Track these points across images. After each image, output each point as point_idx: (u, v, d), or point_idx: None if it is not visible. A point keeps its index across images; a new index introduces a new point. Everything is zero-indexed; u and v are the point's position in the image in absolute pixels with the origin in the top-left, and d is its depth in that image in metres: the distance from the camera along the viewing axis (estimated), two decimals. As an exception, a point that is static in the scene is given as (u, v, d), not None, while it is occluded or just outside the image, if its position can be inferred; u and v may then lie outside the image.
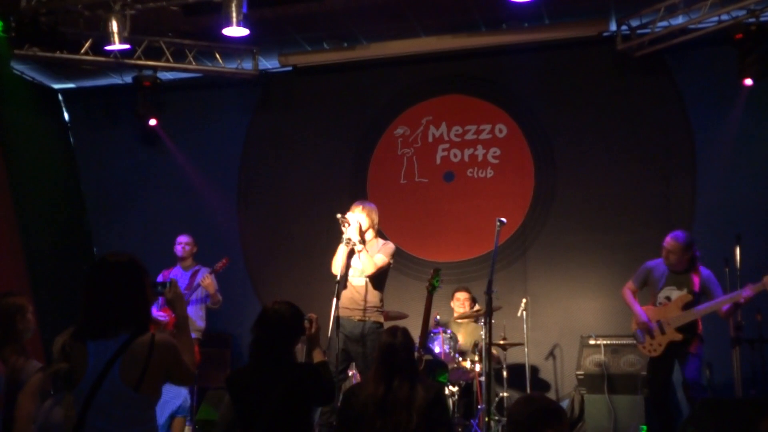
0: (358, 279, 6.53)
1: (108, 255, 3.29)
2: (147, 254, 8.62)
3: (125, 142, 10.05)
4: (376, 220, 6.67)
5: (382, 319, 6.60)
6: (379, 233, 6.86)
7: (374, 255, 6.50)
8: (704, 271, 6.55)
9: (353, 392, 4.53)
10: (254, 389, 3.92)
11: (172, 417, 6.96)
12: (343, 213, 6.52)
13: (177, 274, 8.17)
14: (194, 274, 8.08)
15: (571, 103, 8.77)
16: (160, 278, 8.06)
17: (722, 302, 6.33)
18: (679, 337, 6.43)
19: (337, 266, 6.49)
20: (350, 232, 6.40)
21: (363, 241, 6.48)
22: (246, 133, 9.76)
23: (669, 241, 6.55)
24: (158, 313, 7.86)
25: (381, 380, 4.36)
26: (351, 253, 6.52)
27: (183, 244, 8.23)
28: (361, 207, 6.61)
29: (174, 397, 6.17)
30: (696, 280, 6.47)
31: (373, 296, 6.53)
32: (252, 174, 9.72)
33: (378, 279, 6.55)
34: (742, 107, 7.96)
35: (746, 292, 6.18)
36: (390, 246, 6.64)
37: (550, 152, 8.79)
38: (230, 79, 9.51)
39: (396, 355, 4.42)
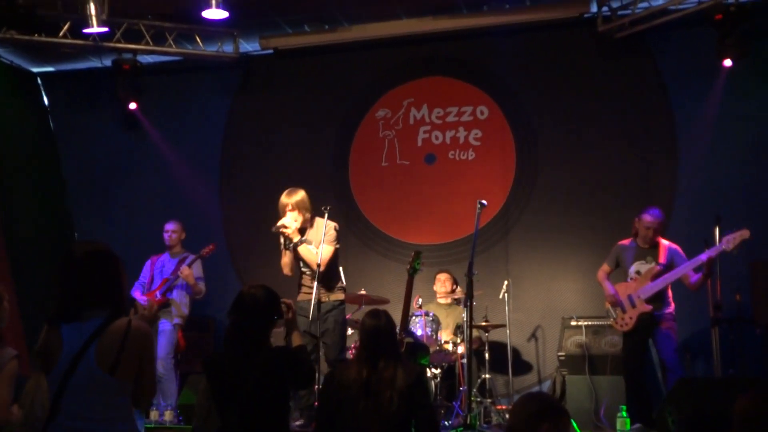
0: (309, 269, 6.51)
1: (80, 243, 3.34)
2: (130, 240, 8.82)
3: (106, 127, 9.98)
4: (308, 206, 6.53)
5: (342, 296, 6.61)
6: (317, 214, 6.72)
7: (318, 245, 6.40)
8: (669, 243, 6.66)
9: (333, 375, 4.54)
10: (231, 373, 3.90)
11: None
12: (279, 217, 6.46)
13: (165, 260, 8.18)
14: (181, 261, 8.04)
15: (552, 85, 8.76)
16: (147, 265, 8.23)
17: (687, 268, 6.43)
18: (648, 308, 6.50)
19: (286, 269, 6.55)
20: (290, 237, 6.38)
21: (302, 240, 6.43)
22: (227, 117, 9.72)
23: (649, 219, 6.63)
24: (141, 297, 7.89)
25: (365, 362, 4.35)
26: (296, 252, 6.48)
27: (170, 232, 8.20)
28: (290, 204, 6.46)
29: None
30: (663, 253, 6.58)
31: (329, 279, 6.50)
32: (234, 158, 9.68)
33: (330, 267, 6.49)
34: (722, 88, 7.96)
35: (704, 256, 6.29)
36: (331, 232, 6.50)
37: (531, 134, 8.79)
38: (211, 62, 9.47)
39: (380, 337, 4.43)
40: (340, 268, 6.83)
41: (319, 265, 6.28)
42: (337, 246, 6.58)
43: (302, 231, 6.51)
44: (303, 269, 6.56)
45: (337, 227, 6.62)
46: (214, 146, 9.73)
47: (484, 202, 6.62)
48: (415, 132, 9.13)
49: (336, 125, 9.39)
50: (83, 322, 3.11)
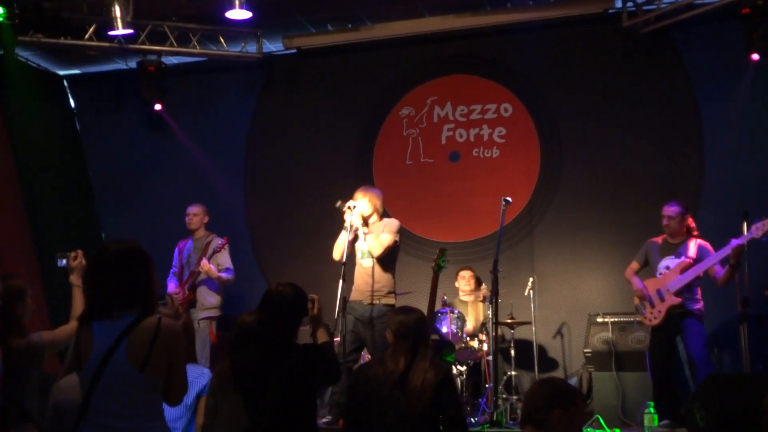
0: (366, 260, 6.55)
1: (111, 242, 3.33)
2: (157, 240, 8.78)
3: (131, 128, 10.04)
4: (379, 206, 6.64)
5: (393, 301, 6.56)
6: (385, 215, 6.85)
7: (379, 235, 6.50)
8: (699, 240, 6.64)
9: (363, 370, 4.54)
10: (259, 373, 3.91)
11: (198, 397, 6.95)
12: (345, 200, 6.52)
13: (189, 249, 8.10)
14: (207, 245, 7.95)
15: (576, 81, 8.73)
16: (176, 252, 8.21)
17: (716, 258, 6.40)
18: (677, 300, 6.47)
19: (337, 252, 6.53)
20: (353, 219, 6.42)
21: (366, 224, 6.50)
22: (251, 117, 9.74)
23: (666, 208, 6.67)
24: (176, 290, 7.87)
25: (402, 354, 4.31)
26: (355, 239, 6.54)
27: (190, 215, 8.11)
28: (362, 193, 6.59)
29: (198, 376, 6.23)
30: (692, 247, 6.56)
31: (384, 278, 6.53)
32: (258, 157, 9.71)
33: (386, 260, 6.54)
34: (749, 83, 7.88)
35: (734, 242, 6.25)
36: (394, 222, 6.62)
37: (555, 131, 8.75)
38: (234, 62, 9.51)
39: (421, 330, 4.42)
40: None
41: (377, 257, 6.37)
42: (397, 239, 6.61)
43: (368, 224, 6.58)
44: (363, 261, 6.59)
45: (400, 225, 6.72)
46: (238, 146, 9.76)
47: (508, 199, 6.64)
48: (439, 130, 9.12)
49: (360, 124, 9.41)
50: (114, 321, 3.14)
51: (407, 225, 8.73)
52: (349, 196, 6.74)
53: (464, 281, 8.18)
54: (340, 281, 6.25)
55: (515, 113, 8.91)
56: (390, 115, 9.32)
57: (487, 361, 7.28)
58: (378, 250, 6.43)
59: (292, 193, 9.45)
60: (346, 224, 6.45)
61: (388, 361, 4.36)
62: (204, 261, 7.79)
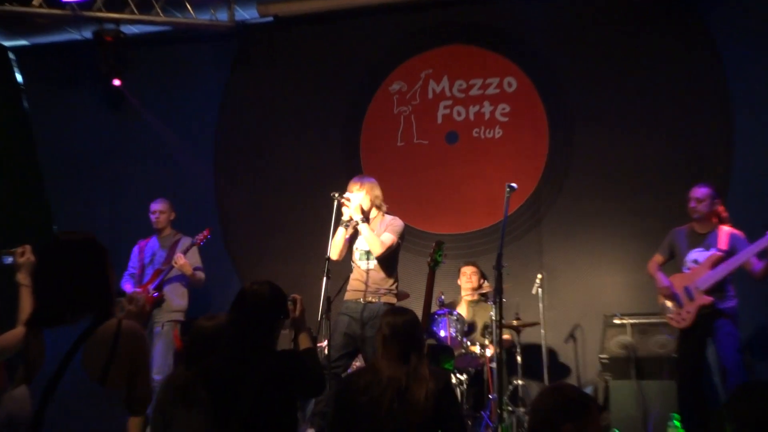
0: (363, 262, 6.58)
1: (62, 234, 3.32)
2: (116, 231, 8.88)
3: (87, 106, 10.00)
4: (378, 196, 6.68)
5: (394, 301, 6.60)
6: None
7: (380, 234, 6.53)
8: (730, 228, 6.61)
9: (352, 379, 4.57)
10: (231, 382, 3.89)
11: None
12: (341, 192, 6.54)
13: (154, 247, 8.16)
14: (174, 245, 8.05)
15: (589, 52, 8.71)
16: (134, 251, 8.27)
17: (750, 252, 6.36)
18: (708, 300, 6.45)
19: (335, 251, 6.53)
20: (351, 212, 6.45)
21: (366, 219, 6.52)
22: (223, 93, 9.74)
23: (695, 190, 6.66)
24: (137, 290, 7.89)
25: (396, 358, 4.34)
26: (353, 235, 6.56)
27: (156, 212, 8.17)
28: (359, 184, 6.60)
29: None
30: (723, 238, 6.53)
31: (384, 278, 6.57)
32: (230, 139, 9.71)
33: (387, 260, 6.58)
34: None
35: None
36: (398, 223, 6.65)
37: (566, 107, 8.74)
38: (203, 32, 9.48)
39: (412, 333, 4.46)
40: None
41: (377, 257, 6.42)
42: (400, 241, 6.64)
43: (368, 219, 6.60)
44: (360, 262, 6.61)
45: (404, 226, 6.75)
46: (209, 125, 9.75)
47: (513, 185, 6.57)
48: (435, 107, 9.10)
49: (345, 101, 9.40)
50: (67, 326, 3.12)
51: (399, 215, 8.70)
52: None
53: (465, 278, 8.16)
54: (324, 278, 6.24)
55: (520, 88, 8.90)
56: (379, 90, 9.30)
57: (491, 368, 7.24)
58: (378, 249, 6.46)
59: (270, 181, 9.42)
60: (344, 218, 6.49)
61: (380, 368, 4.35)
62: (179, 255, 7.86)
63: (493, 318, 6.80)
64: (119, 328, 3.13)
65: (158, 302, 7.90)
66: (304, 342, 4.17)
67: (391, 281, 6.62)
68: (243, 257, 9.41)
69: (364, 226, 6.48)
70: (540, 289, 7.75)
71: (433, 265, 6.39)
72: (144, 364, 3.25)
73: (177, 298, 7.99)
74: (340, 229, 6.53)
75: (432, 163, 9.05)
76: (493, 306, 6.76)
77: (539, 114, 8.82)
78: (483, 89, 8.99)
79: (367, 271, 6.52)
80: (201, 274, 8.03)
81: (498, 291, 6.46)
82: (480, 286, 8.05)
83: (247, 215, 9.47)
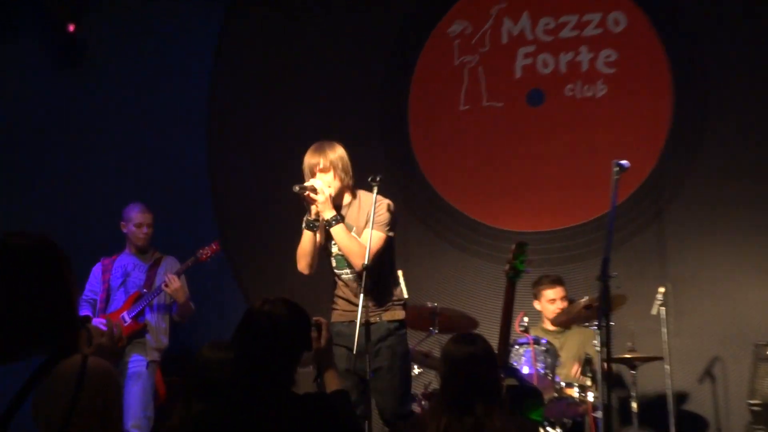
0: (345, 270, 6.41)
1: (9, 236, 3.18)
2: (72, 233, 8.96)
3: (33, 62, 9.97)
4: (348, 167, 6.43)
5: (401, 315, 6.43)
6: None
7: (359, 230, 6.33)
8: None
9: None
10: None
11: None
12: (303, 180, 6.35)
13: (127, 265, 8.17)
14: (154, 265, 8.11)
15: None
16: (96, 272, 8.22)
17: None
18: None
19: (302, 261, 6.38)
20: (321, 207, 6.24)
21: (340, 217, 6.30)
22: (217, 45, 9.73)
23: None
24: (98, 321, 7.84)
25: (458, 407, 4.37)
26: (328, 238, 6.40)
27: (144, 225, 8.16)
28: (321, 160, 6.32)
29: None
30: None
31: (380, 289, 6.34)
32: (228, 105, 9.72)
33: (379, 263, 6.30)
34: None
35: None
36: (382, 212, 6.35)
37: (697, 55, 8.69)
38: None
39: (479, 373, 4.47)
40: (399, 273, 6.74)
41: (365, 267, 6.04)
42: (392, 234, 6.43)
43: (337, 208, 6.37)
44: (339, 270, 6.44)
45: (393, 206, 6.45)
46: (198, 89, 9.75)
47: (623, 163, 6.25)
48: (512, 56, 9.05)
49: (385, 51, 9.39)
50: (14, 362, 3.04)
51: (461, 205, 9.06)
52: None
53: (552, 305, 8.10)
54: (361, 295, 5.96)
55: (632, 27, 8.85)
56: (433, 34, 9.27)
57: (595, 419, 7.17)
58: (359, 258, 6.18)
59: (280, 163, 9.14)
60: (310, 216, 6.32)
61: (431, 419, 4.44)
62: (172, 277, 7.87)
63: (598, 348, 6.63)
64: (84, 367, 3.02)
65: (137, 334, 7.90)
66: (331, 382, 4.20)
67: (391, 291, 6.45)
68: (247, 267, 9.44)
69: (338, 229, 6.26)
70: (662, 309, 7.61)
71: (513, 276, 6.19)
72: (116, 417, 3.16)
73: (162, 334, 8.02)
74: (306, 233, 6.38)
75: (508, 133, 9.02)
76: (597, 331, 6.65)
77: (659, 63, 8.73)
78: (579, 29, 8.94)
79: (349, 281, 6.34)
80: (192, 306, 8.08)
81: (604, 311, 6.12)
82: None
83: (252, 210, 9.49)
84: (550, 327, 8.06)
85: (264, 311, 3.99)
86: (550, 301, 8.06)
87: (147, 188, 8.90)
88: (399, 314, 6.38)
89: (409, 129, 9.17)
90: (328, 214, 6.20)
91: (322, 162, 6.28)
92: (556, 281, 8.12)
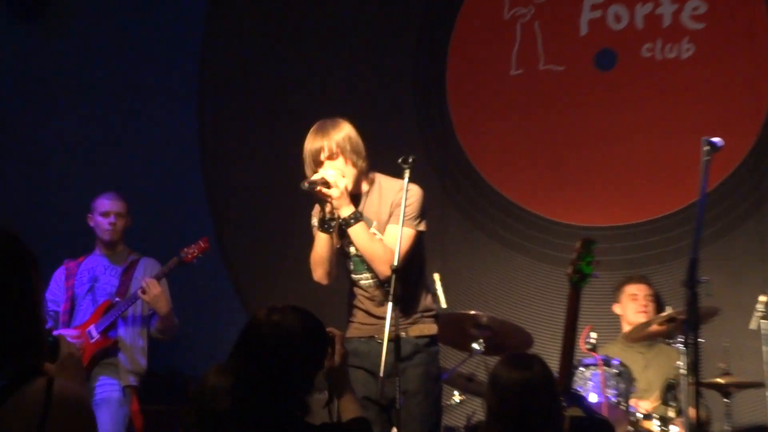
0: (365, 275, 6.37)
1: None
2: (38, 231, 9.01)
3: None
4: (361, 149, 6.36)
5: (433, 330, 6.40)
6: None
7: (382, 226, 6.29)
8: None
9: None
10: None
11: None
12: (310, 175, 6.28)
13: (96, 267, 8.18)
14: (129, 269, 8.11)
15: None
16: (59, 276, 8.26)
17: None
18: None
19: (319, 269, 6.33)
20: (336, 203, 6.18)
21: (358, 214, 6.25)
22: (208, 6, 9.92)
23: None
24: (68, 333, 7.77)
25: None
26: (344, 239, 6.37)
27: (112, 215, 8.12)
28: (325, 144, 6.25)
29: None
30: None
31: (407, 299, 6.30)
32: (224, 77, 9.91)
33: (408, 265, 6.25)
34: None
35: None
36: (413, 203, 6.32)
37: None
38: None
39: (534, 402, 4.49)
40: (435, 276, 6.79)
41: (395, 270, 5.95)
42: (422, 229, 6.38)
43: (353, 198, 6.29)
44: (356, 275, 6.38)
45: (423, 194, 6.41)
46: (187, 55, 9.95)
47: (715, 140, 6.24)
48: (576, 10, 9.09)
49: (416, 7, 9.48)
50: None
51: (512, 193, 9.11)
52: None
53: (634, 305, 8.10)
54: (389, 303, 5.87)
55: None
56: None
57: None
58: (384, 264, 6.15)
59: (287, 150, 9.05)
60: (316, 218, 6.33)
61: None
62: (150, 281, 7.83)
63: (682, 371, 6.57)
64: (49, 392, 2.97)
65: (107, 352, 7.89)
66: (348, 408, 4.22)
67: (420, 297, 6.42)
68: (247, 271, 9.57)
69: (358, 229, 6.21)
70: (763, 322, 7.54)
71: (578, 280, 6.02)
72: None
73: (138, 353, 8.02)
74: (320, 236, 6.35)
75: (570, 104, 9.06)
76: (682, 350, 6.60)
77: (759, 17, 8.71)
78: (659, -24, 8.83)
79: (371, 288, 6.32)
80: (176, 319, 8.09)
81: (692, 324, 6.08)
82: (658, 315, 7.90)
83: (254, 204, 9.65)
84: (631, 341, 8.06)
85: (271, 322, 3.99)
86: (632, 297, 8.10)
87: (120, 172, 9.01)
88: (429, 329, 6.38)
89: (447, 99, 9.18)
90: (346, 211, 6.15)
91: (326, 147, 6.20)
92: (642, 278, 8.18)
